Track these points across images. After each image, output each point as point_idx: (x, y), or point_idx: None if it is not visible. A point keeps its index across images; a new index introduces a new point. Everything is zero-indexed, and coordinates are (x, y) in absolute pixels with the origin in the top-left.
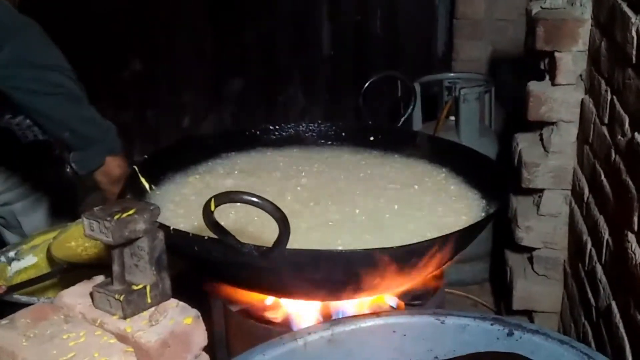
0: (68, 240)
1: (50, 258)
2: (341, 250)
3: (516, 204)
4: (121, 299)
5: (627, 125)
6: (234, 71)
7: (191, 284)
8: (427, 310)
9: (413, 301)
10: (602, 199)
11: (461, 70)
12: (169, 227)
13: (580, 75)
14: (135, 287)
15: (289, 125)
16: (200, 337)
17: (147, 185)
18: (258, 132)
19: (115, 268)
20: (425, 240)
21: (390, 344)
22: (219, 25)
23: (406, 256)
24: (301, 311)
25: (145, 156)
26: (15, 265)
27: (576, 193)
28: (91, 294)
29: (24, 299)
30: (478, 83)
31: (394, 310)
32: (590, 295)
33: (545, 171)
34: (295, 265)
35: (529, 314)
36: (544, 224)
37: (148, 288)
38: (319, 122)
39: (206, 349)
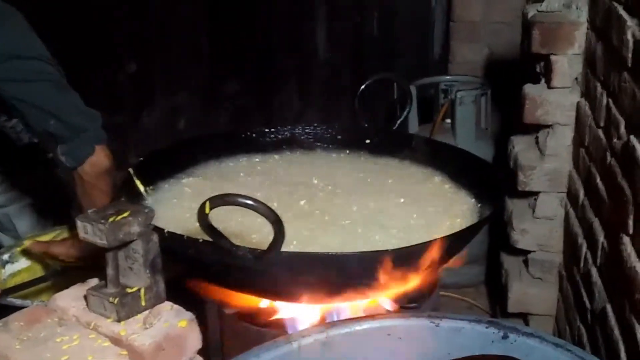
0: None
1: (44, 261)
2: (336, 253)
3: (512, 207)
4: (115, 301)
5: (622, 129)
6: (230, 73)
7: (186, 287)
8: (422, 313)
9: (408, 304)
10: (598, 201)
11: (457, 73)
12: (164, 229)
13: (576, 79)
14: (129, 290)
15: (285, 128)
16: (194, 340)
17: (141, 188)
18: (254, 135)
19: (110, 271)
20: (420, 243)
21: (385, 347)
22: (216, 26)
23: (401, 259)
24: (296, 314)
25: (141, 158)
26: (9, 268)
27: (571, 196)
28: (85, 297)
29: (18, 302)
30: (474, 86)
31: (388, 313)
32: (585, 298)
33: (541, 174)
34: (289, 268)
35: (524, 317)
36: (540, 227)
37: (142, 291)
38: (315, 124)
39: (201, 352)
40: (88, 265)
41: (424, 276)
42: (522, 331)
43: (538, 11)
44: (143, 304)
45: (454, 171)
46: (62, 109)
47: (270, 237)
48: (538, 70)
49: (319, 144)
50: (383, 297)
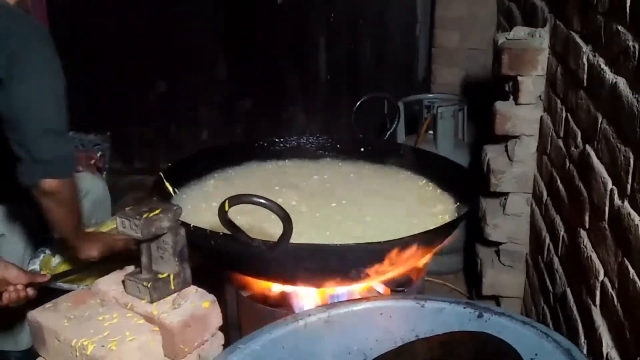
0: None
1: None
2: (336, 244)
3: (485, 205)
4: (149, 285)
5: (579, 139)
6: (244, 92)
7: (208, 273)
8: (410, 295)
9: (397, 288)
10: (558, 201)
11: (438, 92)
12: (190, 224)
13: (539, 96)
14: (160, 276)
15: (291, 138)
16: (216, 318)
17: (170, 189)
18: (265, 144)
19: (144, 259)
20: (408, 236)
21: (378, 324)
22: (232, 53)
23: (392, 249)
24: (302, 296)
25: (169, 164)
26: (58, 257)
27: (536, 196)
28: (123, 282)
29: (66, 286)
30: (453, 103)
31: (381, 296)
32: (548, 283)
33: (510, 177)
34: (297, 257)
35: (496, 299)
36: (509, 222)
37: (172, 276)
38: (317, 135)
39: (221, 329)
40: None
41: (411, 264)
42: (494, 311)
43: (507, 39)
44: (172, 287)
45: (436, 176)
46: (33, 141)
47: (280, 231)
48: (507, 89)
49: (320, 151)
50: (376, 282)
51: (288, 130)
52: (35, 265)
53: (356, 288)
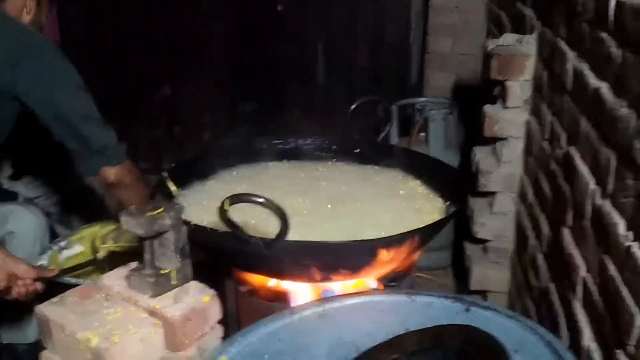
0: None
1: (94, 247)
2: (331, 242)
3: (473, 204)
4: (151, 281)
5: (563, 141)
6: (246, 96)
7: (209, 269)
8: (401, 290)
9: (389, 283)
10: (543, 200)
11: (430, 96)
12: (191, 222)
13: (526, 100)
14: (163, 272)
15: (290, 140)
16: (215, 312)
17: (173, 189)
18: (265, 146)
19: (147, 256)
20: (400, 234)
21: (371, 318)
22: (234, 58)
23: (384, 246)
24: (298, 291)
25: (173, 165)
26: (65, 253)
27: (522, 195)
28: (127, 277)
29: (72, 281)
30: (444, 106)
31: (373, 290)
32: (532, 278)
33: (498, 178)
34: (293, 254)
35: (483, 294)
36: (496, 221)
37: (173, 272)
38: (315, 137)
39: (220, 322)
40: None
41: (402, 260)
42: (481, 305)
43: (496, 45)
44: (174, 282)
45: (427, 176)
46: (81, 136)
47: (278, 229)
48: (495, 93)
49: (318, 152)
50: (369, 277)
51: (287, 132)
52: (43, 261)
53: (349, 283)
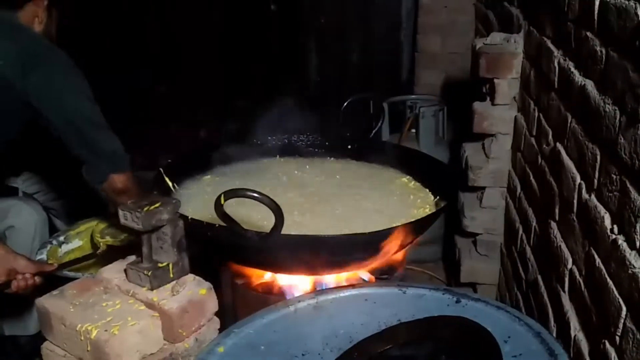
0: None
1: (93, 241)
2: (324, 235)
3: (463, 199)
4: (149, 274)
5: (550, 137)
6: (239, 93)
7: (205, 262)
8: (392, 282)
9: (381, 276)
10: (531, 194)
11: (421, 93)
12: (188, 216)
13: (514, 97)
14: (160, 265)
15: (283, 136)
16: (212, 304)
17: (170, 184)
18: (259, 142)
19: (144, 250)
20: (392, 227)
21: (363, 310)
22: (228, 56)
23: (376, 239)
24: (292, 284)
25: (169, 161)
26: (65, 247)
27: (511, 190)
28: (125, 270)
29: (71, 274)
30: (434, 103)
31: (366, 283)
32: (521, 270)
33: (487, 173)
34: (287, 247)
35: (473, 286)
36: (485, 215)
37: (171, 265)
38: (308, 134)
39: (217, 314)
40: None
41: (393, 253)
42: (471, 297)
43: (484, 44)
44: (171, 275)
45: (418, 171)
46: (90, 143)
47: (272, 223)
48: (484, 90)
49: (310, 149)
50: (361, 270)
51: (280, 128)
52: (43, 255)
53: (343, 276)
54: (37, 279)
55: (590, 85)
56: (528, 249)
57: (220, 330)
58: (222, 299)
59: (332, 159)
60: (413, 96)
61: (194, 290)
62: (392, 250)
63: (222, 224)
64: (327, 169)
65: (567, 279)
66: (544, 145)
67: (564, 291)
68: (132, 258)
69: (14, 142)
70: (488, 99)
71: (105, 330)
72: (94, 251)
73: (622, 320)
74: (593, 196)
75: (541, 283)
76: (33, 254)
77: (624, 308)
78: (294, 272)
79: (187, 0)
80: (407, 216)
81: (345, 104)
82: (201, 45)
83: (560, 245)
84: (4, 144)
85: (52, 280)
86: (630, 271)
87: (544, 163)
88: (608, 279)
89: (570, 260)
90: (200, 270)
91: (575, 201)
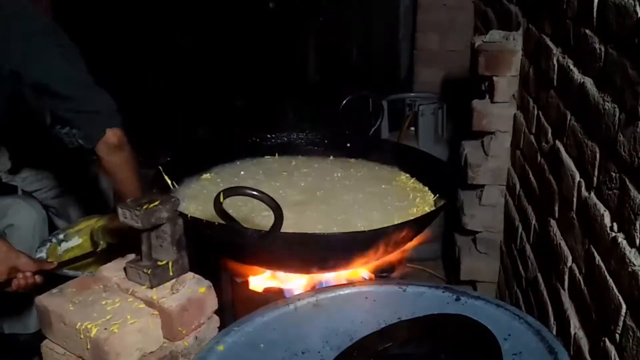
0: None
1: (92, 239)
2: (324, 233)
3: (463, 197)
4: (149, 272)
5: (549, 135)
6: (239, 91)
7: (205, 261)
8: (392, 281)
9: (381, 274)
10: (530, 192)
11: (420, 91)
12: (187, 214)
13: (513, 95)
14: (160, 263)
15: (283, 134)
16: (212, 302)
17: (169, 182)
18: (258, 140)
19: (144, 248)
20: (391, 225)
21: (363, 308)
22: (228, 54)
23: (376, 237)
24: (292, 282)
25: (168, 159)
26: (64, 246)
27: (510, 188)
28: (125, 269)
29: (71, 272)
30: (433, 101)
31: (365, 281)
32: (521, 268)
33: (486, 170)
34: (287, 245)
35: (473, 284)
36: (485, 213)
37: (170, 264)
38: (307, 131)
39: (217, 312)
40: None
41: (393, 252)
42: (471, 295)
43: (483, 42)
44: (171, 274)
45: (417, 169)
46: (80, 101)
47: (272, 221)
48: (483, 88)
49: (310, 147)
50: (361, 268)
51: (280, 126)
52: (42, 254)
53: (342, 274)
54: (38, 277)
55: (589, 82)
56: (528, 247)
57: (220, 328)
58: (221, 297)
59: (331, 157)
60: (412, 94)
61: (194, 289)
62: (392, 249)
63: (222, 222)
64: (326, 167)
65: (567, 277)
66: (544, 143)
67: (564, 289)
68: (132, 256)
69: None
70: (487, 96)
71: (105, 329)
72: (94, 249)
73: (622, 318)
74: (592, 194)
75: (541, 281)
76: (32, 252)
77: (624, 306)
78: (294, 270)
79: None
80: (406, 214)
81: (344, 102)
82: (201, 42)
83: (559, 243)
84: None
85: (51, 278)
86: (630, 269)
87: (543, 161)
88: (608, 277)
89: (570, 258)
90: (200, 268)
91: (574, 199)
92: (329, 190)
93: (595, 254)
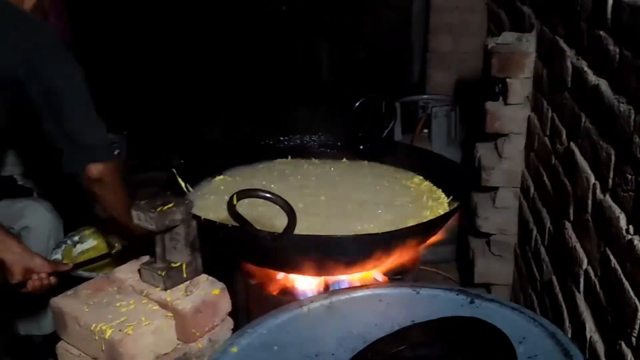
0: None
1: (107, 241)
2: (337, 235)
3: (476, 199)
4: (163, 274)
5: (564, 136)
6: (252, 93)
7: (218, 263)
8: (406, 283)
9: (395, 276)
10: (545, 195)
11: (432, 93)
12: (201, 217)
13: (527, 97)
14: (174, 265)
15: (295, 137)
16: (225, 304)
17: (183, 185)
18: (271, 142)
19: (158, 250)
20: (405, 228)
21: (377, 310)
22: (241, 56)
23: (390, 240)
24: (305, 284)
25: (182, 162)
26: (79, 247)
27: (524, 190)
28: (139, 271)
29: (86, 274)
30: (446, 103)
31: (379, 283)
32: (535, 271)
33: (500, 173)
34: (300, 247)
35: (487, 286)
36: (499, 215)
37: (184, 266)
38: (320, 134)
39: (230, 314)
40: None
41: (407, 254)
42: (485, 297)
43: (496, 43)
44: (184, 276)
45: (430, 171)
46: (73, 130)
47: (285, 223)
48: (496, 90)
49: (322, 149)
50: (375, 270)
51: (292, 129)
52: (58, 255)
53: (356, 276)
54: (53, 279)
55: (604, 84)
56: (542, 250)
57: (234, 330)
58: (235, 299)
59: (344, 159)
60: (425, 96)
61: (208, 291)
62: (406, 251)
63: (235, 224)
64: (340, 170)
65: (582, 280)
66: (558, 145)
67: (579, 292)
68: (146, 258)
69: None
70: (500, 98)
71: (120, 330)
72: (109, 251)
73: (638, 321)
74: (608, 196)
75: (556, 284)
76: (48, 253)
77: None
78: (307, 273)
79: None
80: (420, 217)
81: (357, 104)
82: (215, 45)
83: (575, 246)
84: None
85: (66, 280)
86: None
87: (557, 163)
88: (624, 280)
89: (585, 261)
90: (214, 270)
91: (589, 201)
92: (342, 192)
93: (611, 256)
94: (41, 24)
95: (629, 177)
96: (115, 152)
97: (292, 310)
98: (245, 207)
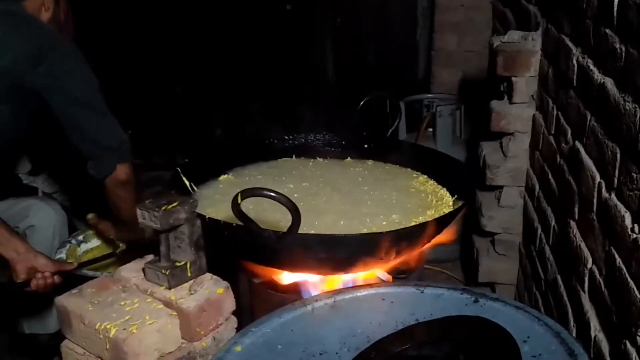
0: None
1: (111, 240)
2: (342, 234)
3: (481, 198)
4: (167, 273)
5: (569, 135)
6: (256, 93)
7: (222, 261)
8: (410, 282)
9: (399, 275)
10: (550, 193)
11: (437, 92)
12: (205, 216)
13: (532, 96)
14: (178, 264)
15: (300, 136)
16: (230, 303)
17: (187, 184)
18: (275, 141)
19: (162, 249)
20: (409, 227)
21: (381, 309)
22: (245, 56)
23: (394, 239)
24: (310, 283)
25: (186, 160)
26: (84, 247)
27: (529, 189)
28: (143, 269)
29: (90, 273)
30: (451, 102)
31: (383, 282)
32: (540, 270)
33: (504, 172)
34: (305, 246)
35: (491, 286)
36: (503, 214)
37: (188, 264)
38: (324, 133)
39: (234, 313)
40: (144, 244)
41: (411, 253)
42: (489, 296)
43: (501, 42)
44: (189, 275)
45: (435, 170)
46: (98, 135)
47: (289, 222)
48: (502, 89)
49: (327, 148)
50: (379, 269)
51: (296, 128)
52: (62, 254)
53: (360, 275)
54: (57, 278)
55: (609, 82)
56: (547, 249)
57: (238, 329)
58: (239, 298)
59: (348, 158)
60: (430, 95)
61: (212, 289)
62: (410, 250)
63: (239, 223)
64: (344, 169)
65: (587, 279)
66: (563, 144)
67: (584, 291)
68: (150, 257)
69: (21, 142)
70: (506, 97)
71: (124, 329)
72: (114, 250)
73: None
74: (613, 195)
75: (560, 283)
76: (53, 253)
77: None
78: (311, 271)
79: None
80: (424, 215)
81: (361, 103)
82: (218, 44)
83: (579, 245)
84: (14, 143)
85: (71, 279)
86: None
87: (562, 162)
88: (629, 279)
89: (590, 260)
90: (218, 269)
91: (595, 200)
92: (347, 191)
93: (616, 255)
94: (59, 36)
95: (635, 175)
96: None
97: (296, 309)
98: (249, 206)
